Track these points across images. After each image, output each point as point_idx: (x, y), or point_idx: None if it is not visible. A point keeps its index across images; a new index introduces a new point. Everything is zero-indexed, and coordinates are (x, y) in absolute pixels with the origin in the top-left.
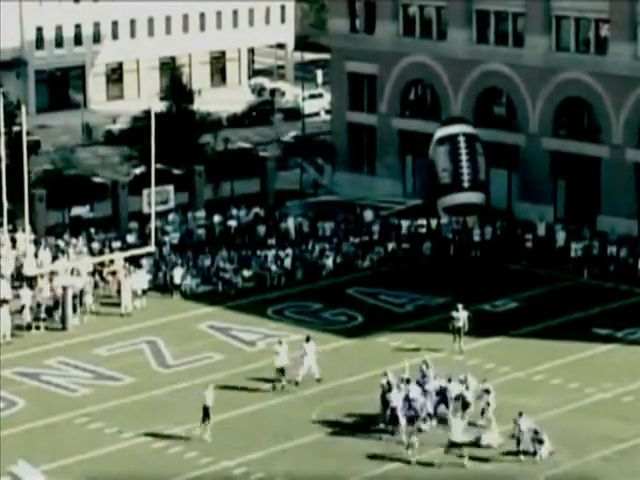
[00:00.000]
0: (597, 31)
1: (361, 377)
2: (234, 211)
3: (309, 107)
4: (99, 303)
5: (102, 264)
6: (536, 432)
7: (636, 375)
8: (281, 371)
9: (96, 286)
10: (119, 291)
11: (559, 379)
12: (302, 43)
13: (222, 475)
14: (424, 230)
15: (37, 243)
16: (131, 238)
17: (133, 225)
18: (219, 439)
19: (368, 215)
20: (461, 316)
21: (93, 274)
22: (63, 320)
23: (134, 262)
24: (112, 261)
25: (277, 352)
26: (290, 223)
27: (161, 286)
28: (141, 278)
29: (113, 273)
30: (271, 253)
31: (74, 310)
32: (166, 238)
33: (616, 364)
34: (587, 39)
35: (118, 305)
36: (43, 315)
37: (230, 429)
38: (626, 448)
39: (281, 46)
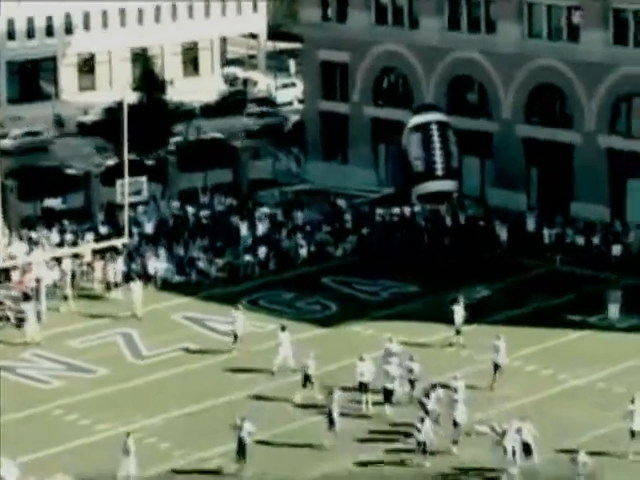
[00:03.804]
0: (569, 18)
1: (337, 366)
2: (207, 201)
3: (282, 96)
4: (74, 294)
5: (77, 256)
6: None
7: (609, 361)
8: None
9: (74, 277)
10: (108, 285)
11: (533, 366)
12: (274, 32)
13: (196, 466)
14: (397, 218)
15: (10, 235)
16: (104, 229)
17: (100, 218)
18: (194, 430)
19: (341, 204)
20: (458, 309)
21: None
22: (37, 313)
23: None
24: (100, 252)
25: (234, 319)
26: (264, 212)
27: (135, 277)
28: (117, 269)
29: (88, 264)
30: (245, 242)
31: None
32: (135, 229)
33: (589, 350)
34: (559, 26)
35: (93, 297)
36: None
37: (206, 420)
38: (602, 435)
39: (253, 36)
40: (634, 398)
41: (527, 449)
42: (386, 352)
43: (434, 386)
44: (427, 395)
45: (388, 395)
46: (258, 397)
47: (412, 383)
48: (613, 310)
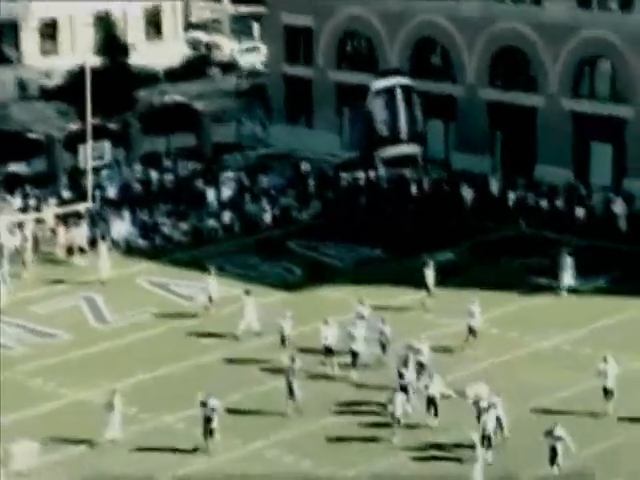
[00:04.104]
0: None
1: (300, 331)
2: (171, 165)
3: (246, 60)
4: (37, 259)
5: (39, 221)
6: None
7: (573, 324)
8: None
9: (37, 242)
10: (70, 250)
11: (498, 329)
12: None
13: (161, 430)
14: (362, 182)
15: None
16: (67, 194)
17: (64, 182)
18: (161, 394)
19: (306, 168)
20: (428, 272)
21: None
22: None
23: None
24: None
25: (207, 284)
26: (228, 176)
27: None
28: (81, 234)
29: (51, 230)
30: (209, 207)
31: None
32: (97, 193)
33: (554, 313)
34: None
35: (55, 262)
36: None
37: (172, 383)
38: (566, 396)
39: None
40: (606, 357)
41: (499, 423)
42: (357, 315)
43: (411, 349)
44: (405, 363)
45: (355, 357)
46: (224, 361)
47: (383, 346)
48: (565, 276)
